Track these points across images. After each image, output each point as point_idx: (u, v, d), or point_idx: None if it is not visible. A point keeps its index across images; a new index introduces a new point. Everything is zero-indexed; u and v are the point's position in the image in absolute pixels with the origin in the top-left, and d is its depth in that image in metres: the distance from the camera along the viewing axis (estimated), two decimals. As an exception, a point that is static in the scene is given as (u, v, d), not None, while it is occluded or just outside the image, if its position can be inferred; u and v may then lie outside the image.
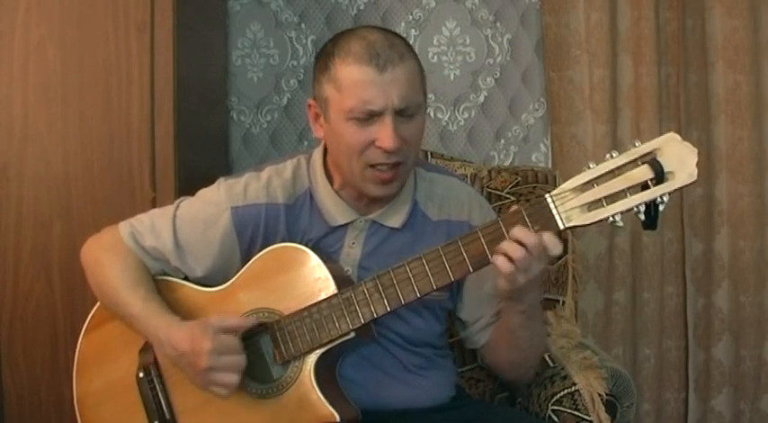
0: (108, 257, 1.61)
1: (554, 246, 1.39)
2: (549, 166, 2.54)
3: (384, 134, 1.46)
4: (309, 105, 1.57)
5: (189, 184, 1.82)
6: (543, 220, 1.39)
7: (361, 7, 2.53)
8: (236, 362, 1.46)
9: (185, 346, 1.48)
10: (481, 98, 2.55)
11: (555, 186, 2.06)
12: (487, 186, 2.13)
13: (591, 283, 2.52)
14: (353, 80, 1.46)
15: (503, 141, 2.56)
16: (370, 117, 1.47)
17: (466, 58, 2.54)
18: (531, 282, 1.43)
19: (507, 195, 2.11)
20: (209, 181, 1.68)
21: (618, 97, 2.49)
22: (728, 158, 2.48)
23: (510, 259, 1.39)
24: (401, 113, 1.48)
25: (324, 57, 1.52)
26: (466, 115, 2.56)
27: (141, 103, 2.03)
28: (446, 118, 2.54)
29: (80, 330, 1.67)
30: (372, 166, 1.50)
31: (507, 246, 1.39)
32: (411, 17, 2.54)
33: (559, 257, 2.09)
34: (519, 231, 1.39)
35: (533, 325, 1.57)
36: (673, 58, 2.53)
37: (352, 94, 1.46)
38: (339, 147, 1.52)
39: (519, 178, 2.13)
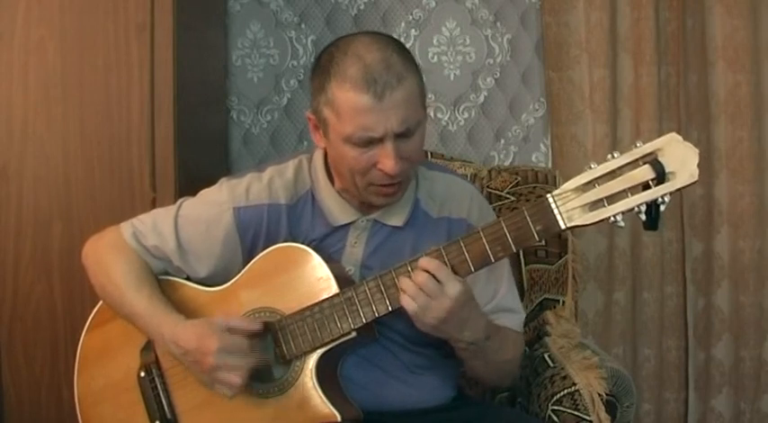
0: (111, 257, 1.61)
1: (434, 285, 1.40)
2: (549, 166, 2.54)
3: (385, 159, 1.45)
4: (309, 117, 1.55)
5: (189, 184, 1.83)
6: (545, 219, 1.39)
7: (362, 7, 2.53)
8: (243, 363, 1.46)
9: (192, 345, 1.48)
10: (481, 98, 2.55)
11: (555, 186, 2.08)
12: (487, 186, 2.13)
13: (591, 283, 2.52)
14: (351, 107, 1.43)
15: (503, 141, 2.56)
16: (370, 143, 1.45)
17: (466, 58, 2.54)
18: (443, 322, 1.43)
19: (507, 195, 2.11)
20: (209, 181, 1.67)
21: (618, 97, 2.49)
22: (728, 158, 2.48)
23: (412, 299, 1.42)
24: (401, 135, 1.46)
25: (320, 74, 1.49)
26: (466, 115, 2.55)
27: (141, 103, 2.03)
28: (446, 118, 2.54)
29: (80, 331, 1.67)
30: (375, 184, 1.50)
31: (404, 283, 1.42)
32: (411, 17, 2.53)
33: (559, 257, 2.10)
34: (405, 281, 1.42)
35: (483, 358, 1.55)
36: (673, 58, 2.52)
37: (350, 120, 1.43)
38: (341, 164, 1.51)
39: (519, 178, 2.13)
